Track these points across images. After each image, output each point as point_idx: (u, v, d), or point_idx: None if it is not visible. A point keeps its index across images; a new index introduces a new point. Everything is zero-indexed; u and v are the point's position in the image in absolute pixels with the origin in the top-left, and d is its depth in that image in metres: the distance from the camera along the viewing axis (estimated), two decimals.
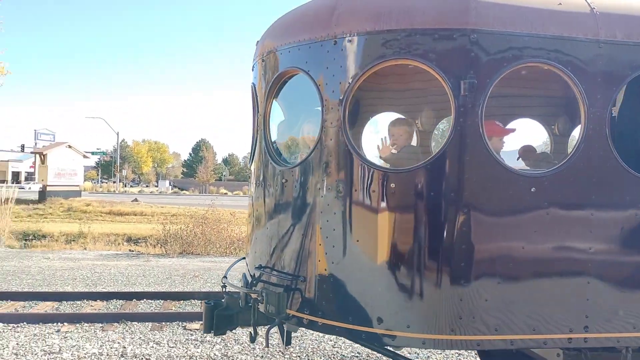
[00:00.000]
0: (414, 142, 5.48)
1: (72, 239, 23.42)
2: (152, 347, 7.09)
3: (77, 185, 38.64)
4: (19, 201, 29.16)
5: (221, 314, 4.47)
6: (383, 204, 3.53)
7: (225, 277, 4.79)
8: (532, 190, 3.46)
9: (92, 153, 69.58)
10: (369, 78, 3.67)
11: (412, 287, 3.47)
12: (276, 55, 4.15)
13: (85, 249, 20.98)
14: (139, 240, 23.59)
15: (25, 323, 8.05)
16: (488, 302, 3.43)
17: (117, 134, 74.55)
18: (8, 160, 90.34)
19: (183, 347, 7.10)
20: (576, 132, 3.87)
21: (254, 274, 4.25)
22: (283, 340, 4.33)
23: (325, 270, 3.67)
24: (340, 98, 3.64)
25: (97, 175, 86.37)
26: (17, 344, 7.13)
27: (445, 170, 3.44)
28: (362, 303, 3.56)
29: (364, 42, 3.59)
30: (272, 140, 4.40)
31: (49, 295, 9.90)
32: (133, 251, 19.60)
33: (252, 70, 4.72)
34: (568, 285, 3.53)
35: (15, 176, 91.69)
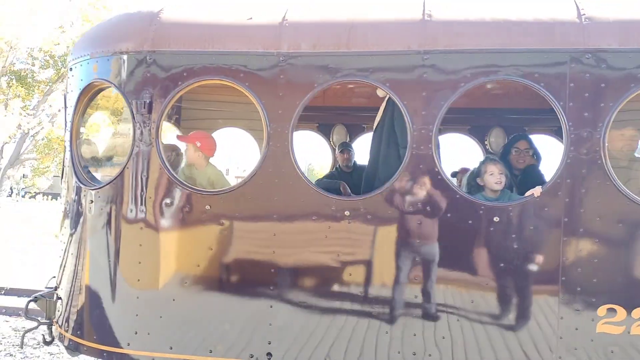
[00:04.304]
0: None
1: None
2: None
3: None
4: None
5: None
6: (88, 222, 3.73)
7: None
8: (207, 207, 3.42)
9: None
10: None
11: (104, 301, 3.63)
12: None
13: None
14: None
15: None
16: (163, 319, 3.46)
17: None
18: None
19: None
20: None
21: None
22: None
23: (71, 286, 3.90)
24: (69, 119, 3.95)
25: None
26: None
27: (127, 189, 3.55)
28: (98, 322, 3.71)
29: (83, 66, 3.87)
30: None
31: None
32: None
33: None
34: (249, 308, 3.40)
35: None
